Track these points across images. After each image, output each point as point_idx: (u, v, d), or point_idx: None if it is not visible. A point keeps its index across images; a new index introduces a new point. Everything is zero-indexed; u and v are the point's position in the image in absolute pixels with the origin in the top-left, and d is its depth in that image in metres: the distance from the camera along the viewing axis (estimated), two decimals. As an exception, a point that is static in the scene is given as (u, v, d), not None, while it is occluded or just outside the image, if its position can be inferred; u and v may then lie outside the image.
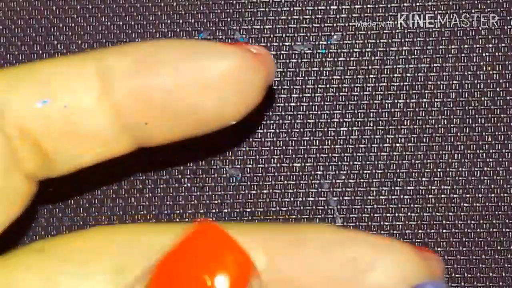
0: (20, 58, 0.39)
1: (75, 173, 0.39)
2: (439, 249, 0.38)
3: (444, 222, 0.38)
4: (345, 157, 0.38)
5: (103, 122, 0.28)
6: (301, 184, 0.38)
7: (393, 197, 0.38)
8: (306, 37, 0.38)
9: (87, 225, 0.38)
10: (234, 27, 0.39)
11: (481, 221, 0.38)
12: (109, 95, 0.28)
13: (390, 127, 0.38)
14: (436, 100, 0.38)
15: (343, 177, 0.38)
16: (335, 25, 0.39)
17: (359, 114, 0.38)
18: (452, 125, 0.38)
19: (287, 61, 0.38)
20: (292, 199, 0.38)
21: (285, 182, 0.38)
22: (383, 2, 0.39)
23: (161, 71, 0.28)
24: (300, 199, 0.38)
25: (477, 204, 0.38)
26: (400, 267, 0.26)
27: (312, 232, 0.27)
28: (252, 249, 0.25)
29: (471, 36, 0.38)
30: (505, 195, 0.38)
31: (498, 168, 0.38)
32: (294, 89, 0.38)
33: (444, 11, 0.39)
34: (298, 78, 0.38)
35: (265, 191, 0.38)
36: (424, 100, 0.38)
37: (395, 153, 0.38)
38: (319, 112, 0.38)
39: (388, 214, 0.38)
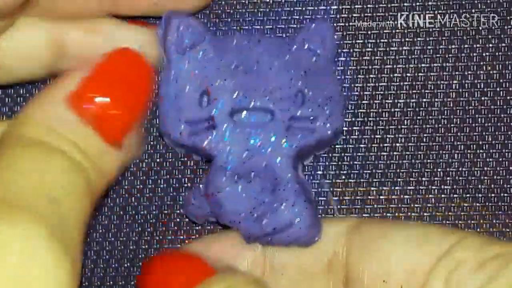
0: (20, 58, 0.39)
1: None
2: (439, 249, 0.38)
3: (444, 222, 0.38)
4: (345, 157, 0.38)
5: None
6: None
7: (393, 197, 0.38)
8: (306, 37, 0.38)
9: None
10: (234, 27, 0.39)
11: (481, 221, 0.38)
12: None
13: (390, 127, 0.38)
14: (436, 100, 0.38)
15: (343, 177, 0.38)
16: (335, 25, 0.39)
17: (359, 114, 0.38)
18: (452, 125, 0.38)
19: (287, 61, 0.38)
20: (292, 199, 0.38)
21: (285, 182, 0.38)
22: (383, 2, 0.39)
23: None
24: (300, 199, 0.38)
25: (477, 204, 0.38)
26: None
27: None
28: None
29: (471, 36, 0.38)
30: (505, 195, 0.38)
31: (498, 168, 0.38)
32: (294, 89, 0.38)
33: (444, 11, 0.39)
34: (298, 78, 0.38)
35: (265, 191, 0.38)
36: (424, 100, 0.38)
37: (395, 153, 0.38)
38: (319, 112, 0.38)
39: (388, 214, 0.38)
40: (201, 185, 0.36)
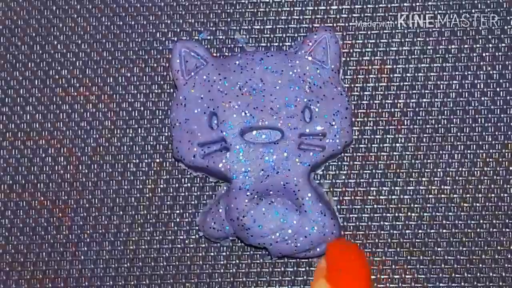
0: (20, 58, 0.39)
1: (74, 174, 0.39)
2: (439, 249, 0.38)
3: (444, 222, 0.38)
4: (345, 157, 0.38)
5: None
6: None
7: (393, 197, 0.38)
8: (306, 37, 0.38)
9: (87, 225, 0.38)
10: (234, 27, 0.39)
11: (481, 221, 0.38)
12: None
13: (390, 127, 0.38)
14: (436, 100, 0.38)
15: (343, 177, 0.38)
16: (335, 25, 0.39)
17: (359, 114, 0.38)
18: (452, 125, 0.38)
19: (287, 61, 0.38)
20: (292, 199, 0.38)
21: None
22: (383, 2, 0.39)
23: None
24: (300, 199, 0.38)
25: (477, 204, 0.38)
26: None
27: None
28: None
29: (471, 36, 0.38)
30: (505, 195, 0.38)
31: (498, 168, 0.38)
32: (294, 89, 0.38)
33: (444, 11, 0.39)
34: (298, 78, 0.38)
35: (265, 191, 0.38)
36: (424, 100, 0.38)
37: (395, 153, 0.38)
38: (319, 112, 0.38)
39: (388, 214, 0.38)
40: (219, 210, 0.36)
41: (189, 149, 0.36)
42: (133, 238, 0.39)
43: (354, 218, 0.38)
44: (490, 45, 0.38)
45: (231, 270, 0.39)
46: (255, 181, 0.36)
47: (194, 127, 0.36)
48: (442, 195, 0.38)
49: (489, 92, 0.38)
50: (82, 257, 0.39)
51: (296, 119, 0.36)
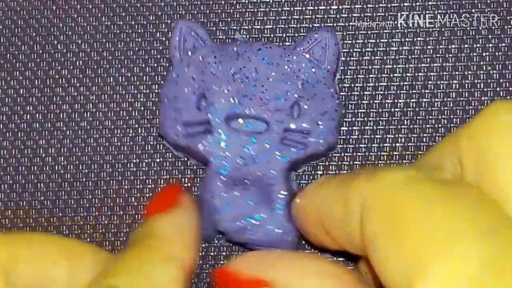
0: (20, 58, 0.39)
1: (74, 174, 0.39)
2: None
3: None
4: (345, 157, 0.38)
5: None
6: (302, 184, 0.38)
7: (393, 197, 0.38)
8: (306, 37, 0.38)
9: (87, 224, 0.38)
10: (234, 27, 0.39)
11: (481, 221, 0.38)
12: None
13: (390, 127, 0.38)
14: (436, 100, 0.38)
15: (343, 177, 0.38)
16: (335, 25, 0.39)
17: (359, 114, 0.39)
18: (452, 125, 0.38)
19: (287, 61, 0.38)
20: (292, 199, 0.38)
21: (285, 182, 0.38)
22: (383, 2, 0.39)
23: None
24: (300, 199, 0.38)
25: (477, 204, 0.38)
26: None
27: None
28: None
29: (471, 36, 0.38)
30: (505, 195, 0.38)
31: (498, 168, 0.38)
32: (294, 89, 0.38)
33: (444, 11, 0.39)
34: (298, 78, 0.38)
35: (265, 191, 0.38)
36: (424, 100, 0.38)
37: (395, 153, 0.38)
38: (319, 112, 0.38)
39: (388, 214, 0.38)
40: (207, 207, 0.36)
41: (174, 127, 0.36)
42: (133, 238, 0.39)
43: (354, 218, 0.38)
44: (490, 45, 0.38)
45: (231, 270, 0.39)
46: (232, 167, 0.36)
47: (182, 106, 0.36)
48: (442, 195, 0.38)
49: (489, 92, 0.38)
50: None
51: (284, 113, 0.36)
